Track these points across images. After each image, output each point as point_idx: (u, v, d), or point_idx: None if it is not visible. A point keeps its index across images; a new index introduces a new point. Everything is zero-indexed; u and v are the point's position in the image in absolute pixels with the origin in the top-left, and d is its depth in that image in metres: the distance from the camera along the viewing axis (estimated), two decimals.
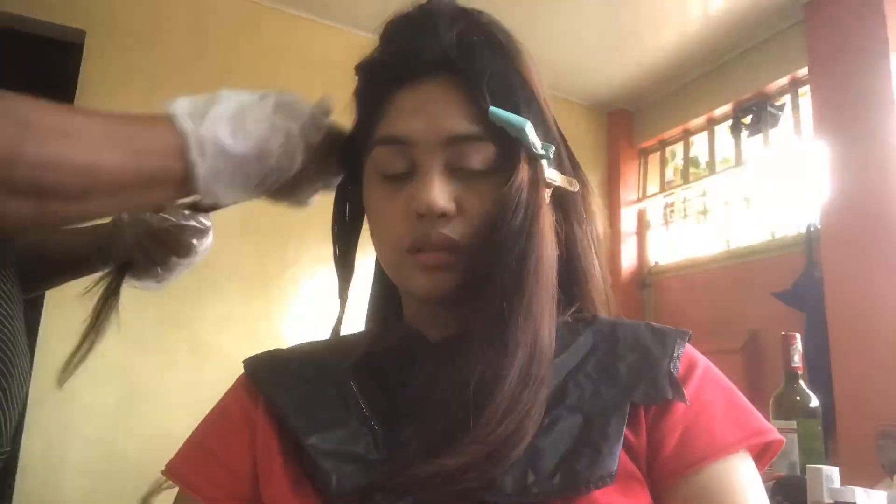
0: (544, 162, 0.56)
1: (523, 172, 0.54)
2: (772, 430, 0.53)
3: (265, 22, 2.88)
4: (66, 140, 0.49)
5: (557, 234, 0.57)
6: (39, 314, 2.31)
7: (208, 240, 0.82)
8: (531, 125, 0.54)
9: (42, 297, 2.32)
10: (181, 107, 0.55)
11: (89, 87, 2.51)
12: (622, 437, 0.48)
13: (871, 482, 1.21)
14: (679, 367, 0.53)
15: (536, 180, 0.55)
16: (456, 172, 0.54)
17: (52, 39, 2.61)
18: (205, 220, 0.80)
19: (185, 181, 0.54)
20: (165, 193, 0.56)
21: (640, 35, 3.10)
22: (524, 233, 0.52)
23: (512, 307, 0.50)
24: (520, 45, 0.60)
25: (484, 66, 0.55)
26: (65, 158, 0.49)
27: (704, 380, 0.54)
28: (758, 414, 0.54)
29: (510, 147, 0.54)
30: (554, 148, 0.57)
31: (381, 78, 0.58)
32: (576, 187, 0.60)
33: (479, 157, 0.54)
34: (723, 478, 0.49)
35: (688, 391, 0.51)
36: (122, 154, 0.51)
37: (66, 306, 2.38)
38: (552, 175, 0.57)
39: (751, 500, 0.49)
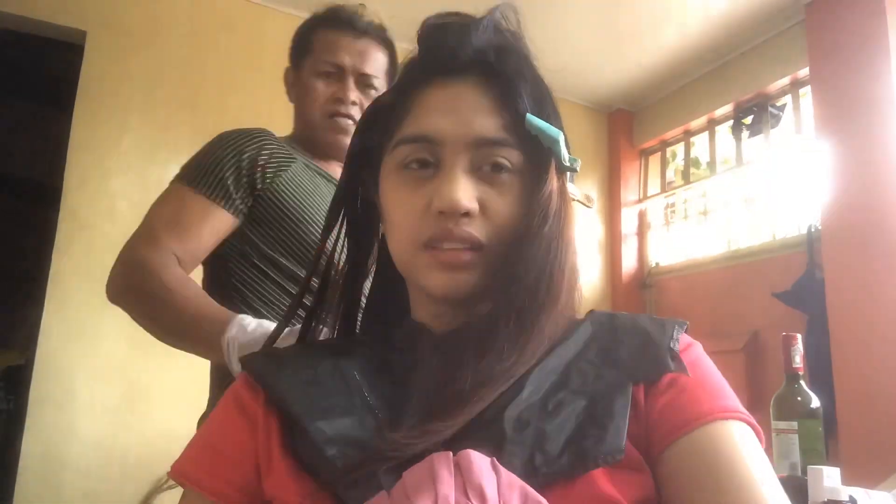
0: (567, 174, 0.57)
1: (552, 182, 0.55)
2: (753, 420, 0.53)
3: (265, 22, 2.88)
4: (173, 308, 0.94)
5: None
6: (41, 314, 2.31)
7: None
8: (563, 136, 0.55)
9: (42, 297, 2.32)
10: (235, 328, 0.89)
11: (89, 87, 2.51)
12: (627, 415, 0.48)
13: (871, 482, 1.21)
14: (678, 346, 0.54)
15: (564, 191, 0.56)
16: (479, 173, 0.55)
17: (52, 39, 2.61)
18: None
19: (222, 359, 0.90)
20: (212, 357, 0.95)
21: (640, 35, 3.10)
22: (554, 241, 0.53)
23: (538, 313, 0.51)
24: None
25: (521, 70, 0.56)
26: (165, 315, 0.96)
27: (699, 358, 0.54)
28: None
29: (536, 154, 0.55)
30: (580, 161, 0.58)
31: (410, 74, 0.59)
32: (592, 203, 0.60)
33: (505, 160, 0.55)
34: (720, 436, 0.49)
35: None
36: (194, 336, 0.94)
37: (66, 307, 2.38)
38: (572, 190, 0.58)
39: (746, 459, 0.48)
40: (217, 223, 1.02)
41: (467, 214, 0.53)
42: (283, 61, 1.26)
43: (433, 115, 0.55)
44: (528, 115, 0.54)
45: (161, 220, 1.00)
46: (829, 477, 0.96)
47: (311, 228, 1.06)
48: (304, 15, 1.26)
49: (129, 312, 0.98)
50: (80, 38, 2.54)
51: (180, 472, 0.56)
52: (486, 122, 0.54)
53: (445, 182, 0.53)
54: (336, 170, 1.16)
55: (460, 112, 0.55)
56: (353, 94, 1.14)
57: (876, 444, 2.21)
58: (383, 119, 0.60)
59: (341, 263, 0.66)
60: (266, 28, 2.86)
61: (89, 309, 2.34)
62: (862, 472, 1.28)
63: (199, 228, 1.00)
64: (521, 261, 0.52)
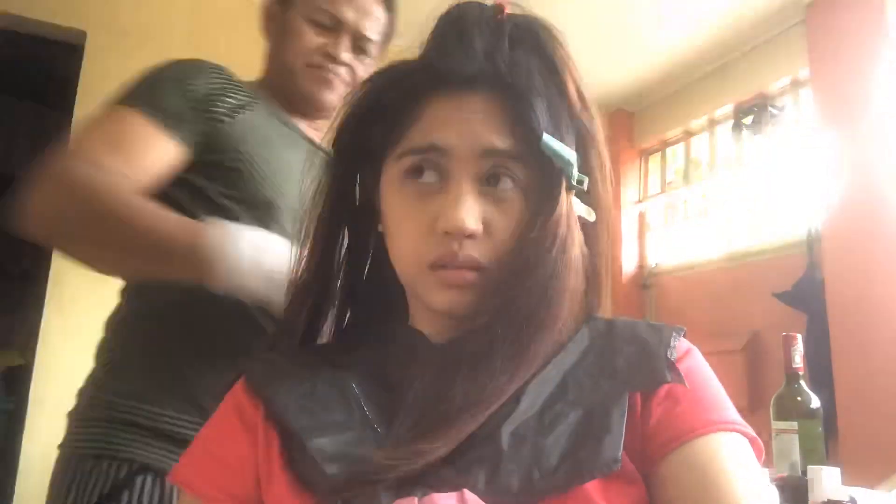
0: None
1: (562, 205, 0.54)
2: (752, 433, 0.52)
3: None
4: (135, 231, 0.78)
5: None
6: (41, 314, 2.31)
7: None
8: (576, 157, 0.54)
9: (43, 297, 2.32)
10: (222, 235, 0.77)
11: (89, 87, 2.51)
12: (624, 426, 0.48)
13: (871, 482, 1.21)
14: (675, 355, 0.53)
15: (572, 212, 0.55)
16: (485, 189, 0.54)
17: (52, 39, 2.61)
18: None
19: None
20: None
21: (640, 35, 3.10)
22: (559, 265, 0.53)
23: (535, 335, 0.51)
24: (562, 47, 0.59)
25: (534, 84, 0.54)
26: (125, 234, 0.79)
27: (696, 366, 0.54)
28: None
29: (544, 170, 0.54)
30: (587, 179, 0.56)
31: (416, 82, 0.56)
32: (592, 217, 0.58)
33: (512, 174, 0.54)
34: (711, 449, 0.48)
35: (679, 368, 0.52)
36: (166, 250, 0.78)
37: (66, 307, 2.38)
38: (575, 204, 0.56)
39: (735, 472, 0.47)
40: (162, 152, 0.86)
41: (471, 236, 0.52)
42: None
43: (441, 126, 0.54)
44: (545, 137, 0.52)
45: (99, 140, 0.83)
46: (829, 477, 0.96)
47: (267, 181, 0.91)
48: None
49: (65, 244, 0.83)
50: (80, 38, 2.54)
51: (179, 476, 0.56)
52: (495, 134, 0.53)
53: (451, 202, 0.52)
54: (306, 128, 1.04)
55: (470, 123, 0.53)
56: (346, 56, 1.00)
57: (876, 444, 2.21)
58: (388, 120, 0.58)
59: (337, 262, 0.64)
60: None
61: (89, 309, 2.34)
62: (862, 472, 1.28)
63: (144, 153, 0.84)
64: (524, 284, 0.52)
